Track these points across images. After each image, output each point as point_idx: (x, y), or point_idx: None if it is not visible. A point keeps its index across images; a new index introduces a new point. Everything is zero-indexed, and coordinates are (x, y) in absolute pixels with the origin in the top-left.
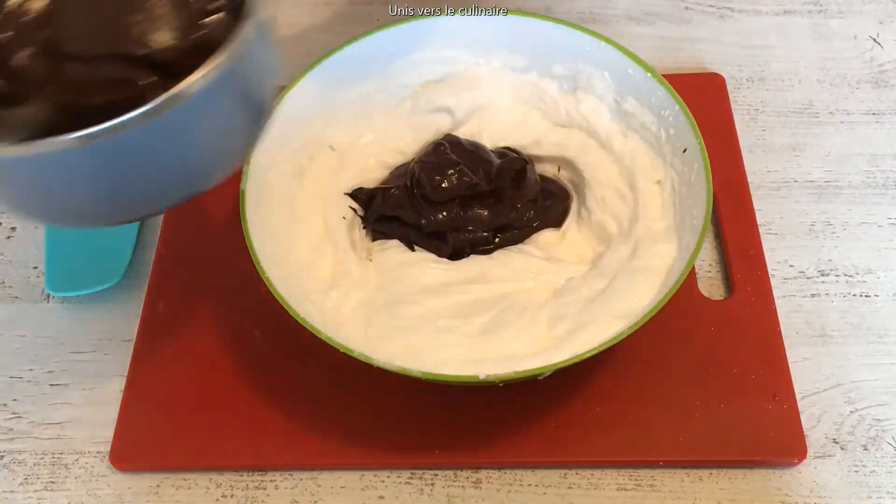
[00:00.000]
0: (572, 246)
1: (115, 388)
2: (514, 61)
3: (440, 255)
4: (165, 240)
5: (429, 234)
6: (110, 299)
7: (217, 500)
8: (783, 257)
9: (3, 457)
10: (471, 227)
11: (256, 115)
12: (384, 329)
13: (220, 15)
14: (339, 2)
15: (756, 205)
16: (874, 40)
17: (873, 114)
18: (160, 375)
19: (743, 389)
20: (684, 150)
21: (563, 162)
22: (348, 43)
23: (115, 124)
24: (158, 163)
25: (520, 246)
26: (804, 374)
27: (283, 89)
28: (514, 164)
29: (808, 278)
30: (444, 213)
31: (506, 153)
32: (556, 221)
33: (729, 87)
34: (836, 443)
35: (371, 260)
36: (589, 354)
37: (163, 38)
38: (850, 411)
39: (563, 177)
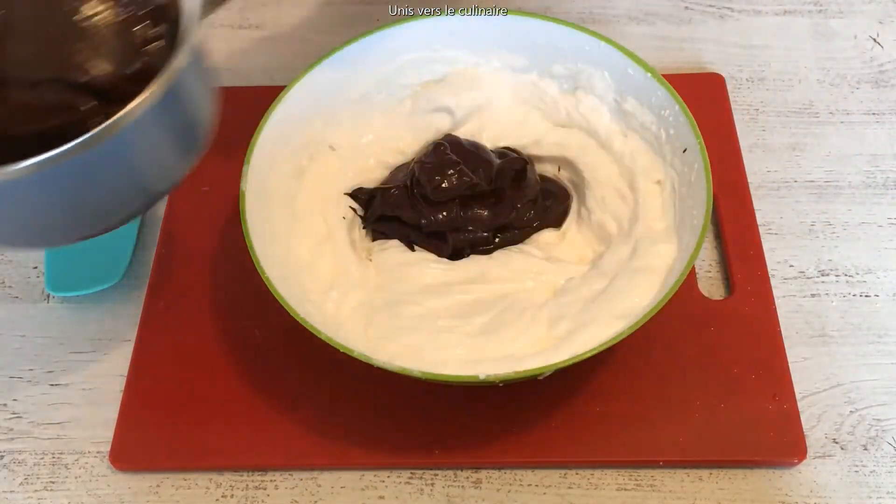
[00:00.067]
0: (572, 246)
1: (115, 388)
2: (514, 61)
3: (440, 255)
4: (165, 240)
5: (429, 234)
6: (110, 299)
7: (217, 500)
8: (783, 257)
9: (3, 457)
10: (471, 227)
11: (195, 135)
12: (384, 329)
13: (160, 42)
14: (339, 2)
15: (756, 205)
16: (874, 40)
17: (873, 114)
18: (160, 375)
19: (743, 389)
20: (684, 150)
21: (563, 162)
22: (348, 43)
23: (58, 153)
24: (102, 186)
25: (520, 246)
26: (804, 374)
27: (283, 89)
28: (514, 164)
29: (808, 278)
30: (444, 213)
31: (506, 153)
32: (556, 221)
33: (729, 87)
34: (836, 443)
35: (371, 260)
36: (589, 354)
37: (104, 65)
38: (850, 411)
39: (563, 177)
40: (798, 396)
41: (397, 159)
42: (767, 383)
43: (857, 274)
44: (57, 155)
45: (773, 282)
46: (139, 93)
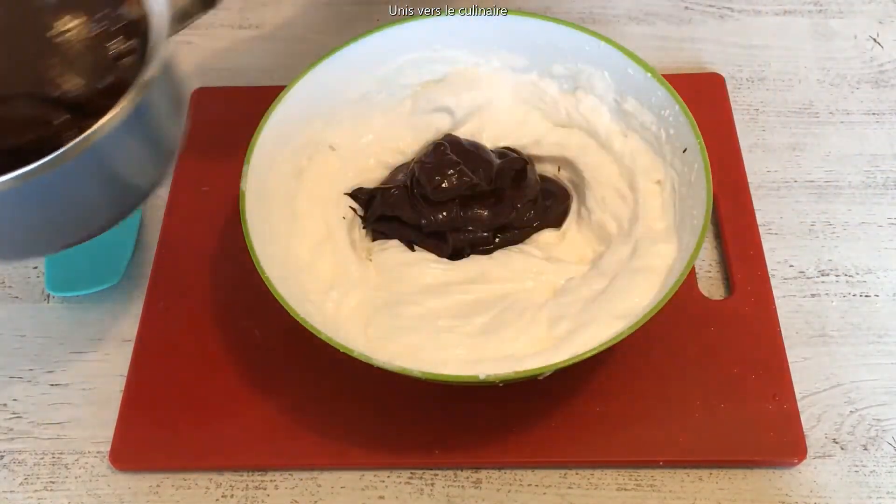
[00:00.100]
0: (572, 246)
1: (115, 388)
2: (514, 61)
3: (440, 255)
4: (165, 240)
5: (429, 234)
6: (110, 299)
7: (217, 500)
8: (783, 257)
9: (3, 457)
10: (471, 227)
11: (167, 145)
12: (384, 329)
13: (132, 57)
14: (339, 2)
15: (756, 205)
16: (874, 40)
17: (873, 114)
18: (160, 375)
19: (743, 389)
20: (684, 150)
21: (563, 162)
22: (348, 43)
23: (34, 167)
24: (78, 197)
25: (520, 246)
26: (804, 375)
27: (283, 89)
28: (514, 164)
29: (807, 278)
30: (444, 213)
31: (506, 153)
32: (556, 221)
33: (729, 87)
34: (836, 443)
35: (371, 260)
36: (589, 354)
37: (76, 79)
38: (850, 411)
39: (563, 177)
40: (798, 396)
41: (397, 159)
42: (767, 383)
43: (857, 274)
44: (33, 169)
45: (773, 282)
46: (112, 106)
